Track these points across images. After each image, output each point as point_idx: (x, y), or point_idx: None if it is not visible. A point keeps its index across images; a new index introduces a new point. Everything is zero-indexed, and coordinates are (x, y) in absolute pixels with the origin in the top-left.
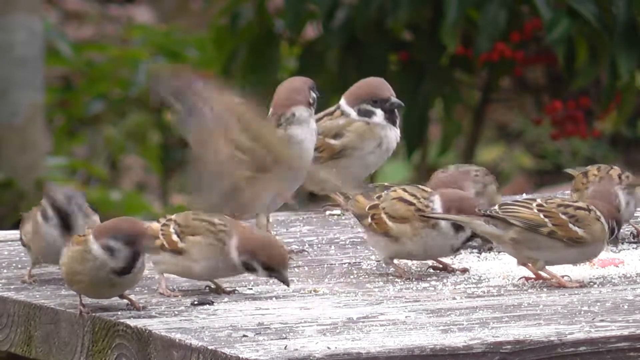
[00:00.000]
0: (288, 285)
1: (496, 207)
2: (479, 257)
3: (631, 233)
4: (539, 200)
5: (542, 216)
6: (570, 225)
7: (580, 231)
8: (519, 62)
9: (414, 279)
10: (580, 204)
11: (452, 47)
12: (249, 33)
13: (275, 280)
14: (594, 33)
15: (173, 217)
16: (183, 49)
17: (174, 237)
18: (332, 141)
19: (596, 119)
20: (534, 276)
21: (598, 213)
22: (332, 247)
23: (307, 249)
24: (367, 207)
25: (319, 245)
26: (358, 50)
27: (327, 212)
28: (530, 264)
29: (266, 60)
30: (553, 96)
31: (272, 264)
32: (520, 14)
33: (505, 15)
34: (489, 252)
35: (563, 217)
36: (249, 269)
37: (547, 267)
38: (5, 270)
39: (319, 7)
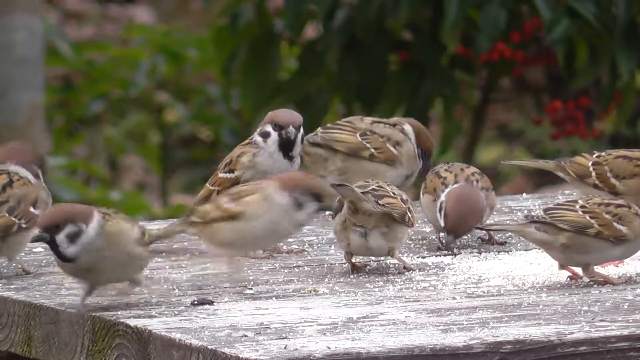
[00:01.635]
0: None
1: (541, 212)
2: (479, 257)
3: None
4: (580, 202)
5: (588, 218)
6: (615, 224)
7: (624, 229)
8: (519, 62)
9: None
10: (619, 201)
11: (452, 47)
12: (249, 33)
13: (276, 280)
14: (594, 33)
15: None
16: (183, 49)
17: None
18: (392, 148)
19: (596, 119)
20: (578, 275)
21: (637, 209)
22: (332, 246)
23: (307, 249)
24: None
25: (319, 245)
26: (358, 50)
27: (327, 212)
28: (577, 269)
29: (266, 60)
30: (553, 96)
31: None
32: (520, 14)
33: (505, 15)
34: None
35: (607, 216)
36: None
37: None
38: (5, 270)
39: (319, 7)
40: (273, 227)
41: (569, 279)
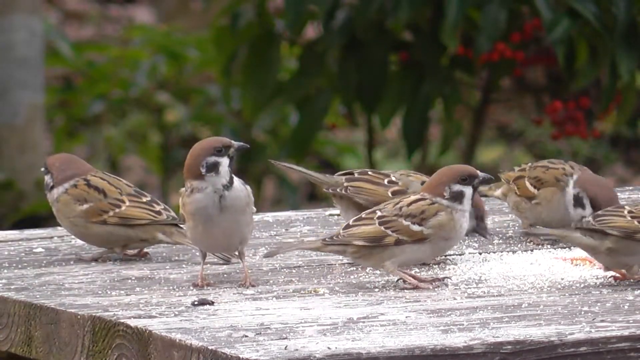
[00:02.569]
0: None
1: (590, 219)
2: (479, 257)
3: None
4: (627, 207)
5: (636, 223)
6: None
7: None
8: (519, 63)
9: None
10: None
11: (452, 48)
12: (249, 33)
13: (276, 280)
14: (594, 33)
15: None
16: (183, 49)
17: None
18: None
19: (596, 119)
20: (623, 274)
21: None
22: None
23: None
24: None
25: None
26: (358, 50)
27: (327, 212)
28: (622, 270)
29: (266, 61)
30: (553, 96)
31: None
32: (520, 14)
33: (505, 16)
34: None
35: None
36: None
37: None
38: (5, 270)
39: (319, 7)
40: (452, 245)
41: (612, 279)
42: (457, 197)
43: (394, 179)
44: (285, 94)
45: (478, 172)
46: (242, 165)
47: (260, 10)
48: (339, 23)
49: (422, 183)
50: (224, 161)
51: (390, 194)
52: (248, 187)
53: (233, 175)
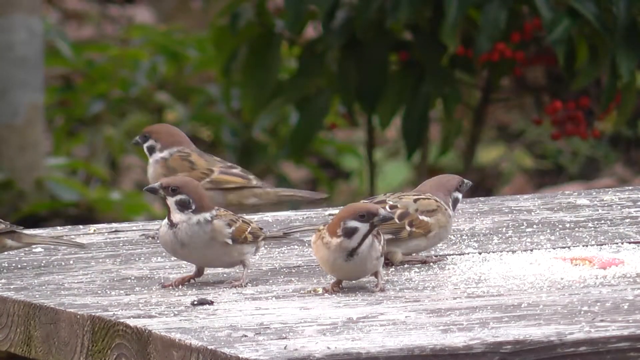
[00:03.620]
0: None
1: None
2: (479, 257)
3: None
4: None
5: None
6: None
7: None
8: (519, 62)
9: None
10: None
11: (452, 47)
12: (249, 33)
13: (276, 280)
14: (595, 33)
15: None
16: (183, 49)
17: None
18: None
19: (596, 119)
20: None
21: None
22: None
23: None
24: None
25: None
26: (358, 50)
27: (327, 212)
28: None
29: (266, 61)
30: (553, 96)
31: None
32: (520, 14)
33: (505, 16)
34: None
35: None
36: None
37: None
38: (5, 270)
39: (319, 7)
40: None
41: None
42: (349, 232)
43: (392, 203)
44: (285, 94)
45: (380, 210)
46: (242, 165)
47: (260, 10)
48: (339, 23)
49: (415, 200)
50: (169, 199)
51: (397, 219)
52: (216, 222)
53: (186, 214)
